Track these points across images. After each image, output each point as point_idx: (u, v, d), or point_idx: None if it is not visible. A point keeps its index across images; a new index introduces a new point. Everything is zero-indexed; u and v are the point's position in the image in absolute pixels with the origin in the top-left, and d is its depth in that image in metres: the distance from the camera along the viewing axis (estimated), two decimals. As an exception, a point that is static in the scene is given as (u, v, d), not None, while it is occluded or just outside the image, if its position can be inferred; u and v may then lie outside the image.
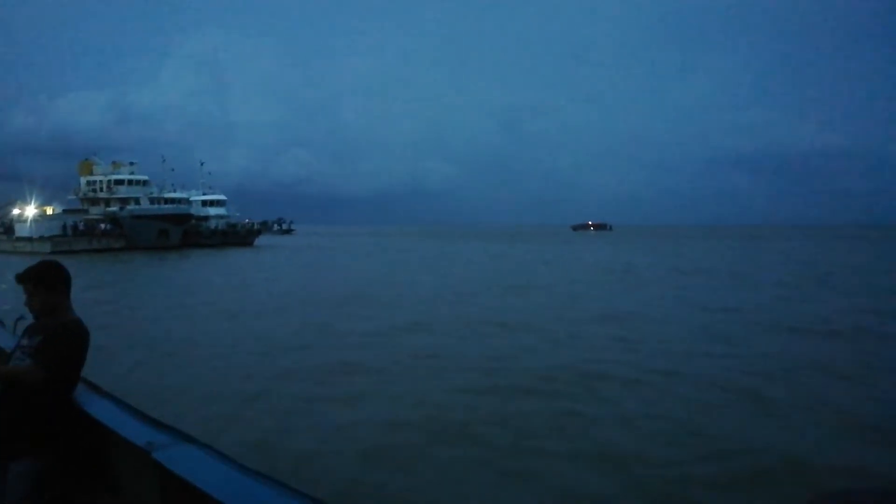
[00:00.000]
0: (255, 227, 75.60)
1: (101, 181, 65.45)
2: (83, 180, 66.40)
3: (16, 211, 64.03)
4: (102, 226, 61.59)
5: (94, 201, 65.13)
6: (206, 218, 71.70)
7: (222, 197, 76.87)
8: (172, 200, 67.32)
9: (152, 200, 65.42)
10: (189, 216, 65.55)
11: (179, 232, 63.49)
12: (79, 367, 3.31)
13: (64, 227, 59.81)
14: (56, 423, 3.11)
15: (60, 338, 3.19)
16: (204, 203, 74.13)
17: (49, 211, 65.09)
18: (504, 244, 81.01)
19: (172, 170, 73.53)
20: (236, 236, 71.26)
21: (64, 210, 65.19)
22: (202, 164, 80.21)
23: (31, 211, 62.18)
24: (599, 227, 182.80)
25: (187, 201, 69.93)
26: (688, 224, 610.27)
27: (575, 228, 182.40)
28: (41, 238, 57.27)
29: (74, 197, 66.36)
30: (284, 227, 73.50)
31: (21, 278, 3.32)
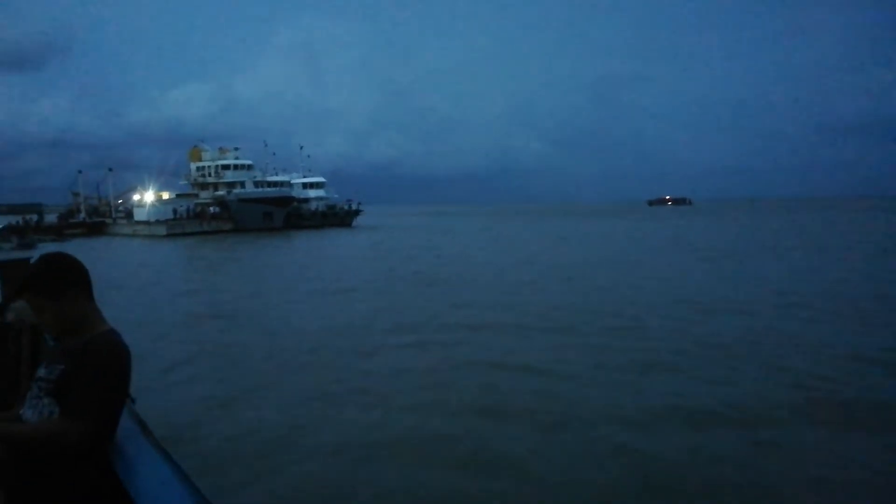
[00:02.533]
0: (354, 208, 76.29)
1: (209, 167, 68.11)
2: (193, 166, 69.37)
3: (136, 197, 67.97)
4: (212, 209, 64.16)
5: (204, 186, 67.93)
6: (307, 200, 73.13)
7: (321, 179, 78.14)
8: (275, 184, 69.06)
9: (256, 184, 67.36)
10: (291, 199, 67.01)
11: (283, 214, 65.04)
12: (121, 406, 2.15)
13: (174, 211, 62.79)
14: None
15: (92, 366, 2.05)
16: (304, 186, 75.69)
17: (165, 196, 68.57)
18: (578, 221, 77.66)
19: (273, 154, 75.60)
20: (336, 217, 72.23)
21: (177, 195, 68.47)
22: (301, 147, 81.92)
23: (148, 196, 65.75)
24: (678, 201, 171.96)
25: (289, 184, 71.58)
26: (800, 196, 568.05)
27: (651, 203, 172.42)
28: (157, 222, 60.31)
29: (186, 182, 69.57)
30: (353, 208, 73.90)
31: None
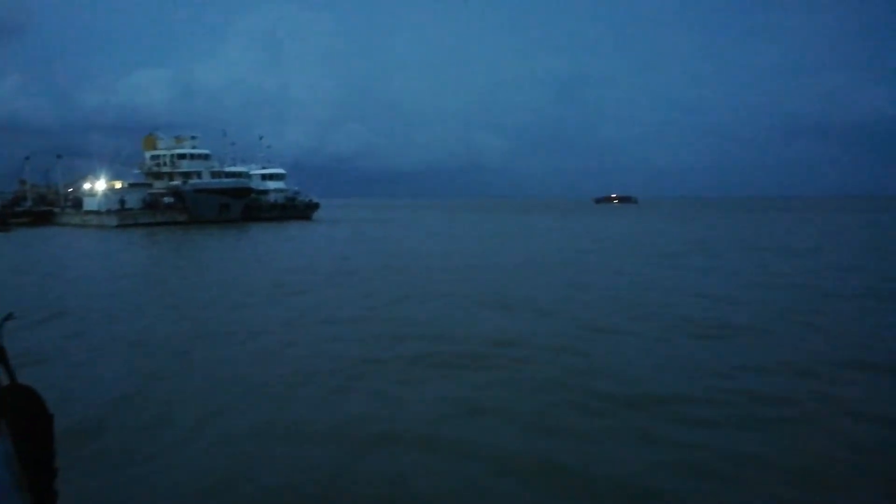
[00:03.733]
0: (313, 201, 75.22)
1: (164, 156, 66.29)
2: (147, 155, 67.44)
3: (86, 185, 65.69)
4: (166, 199, 62.44)
5: (158, 175, 66.08)
6: (266, 192, 71.85)
7: (281, 171, 76.73)
8: (233, 174, 67.62)
9: (213, 174, 65.85)
10: (249, 190, 65.68)
11: (240, 206, 63.76)
12: None
13: (122, 201, 60.52)
14: None
15: None
16: (263, 177, 74.16)
17: (117, 185, 66.50)
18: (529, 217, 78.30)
19: (233, 144, 73.88)
20: (295, 210, 71.17)
21: (130, 184, 66.38)
22: (261, 138, 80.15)
23: (100, 185, 63.59)
24: (624, 199, 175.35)
25: (247, 175, 70.13)
26: (751, 196, 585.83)
27: (598, 201, 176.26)
28: (108, 212, 58.43)
29: (139, 172, 67.55)
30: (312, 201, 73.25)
31: None
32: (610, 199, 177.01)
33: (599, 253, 29.90)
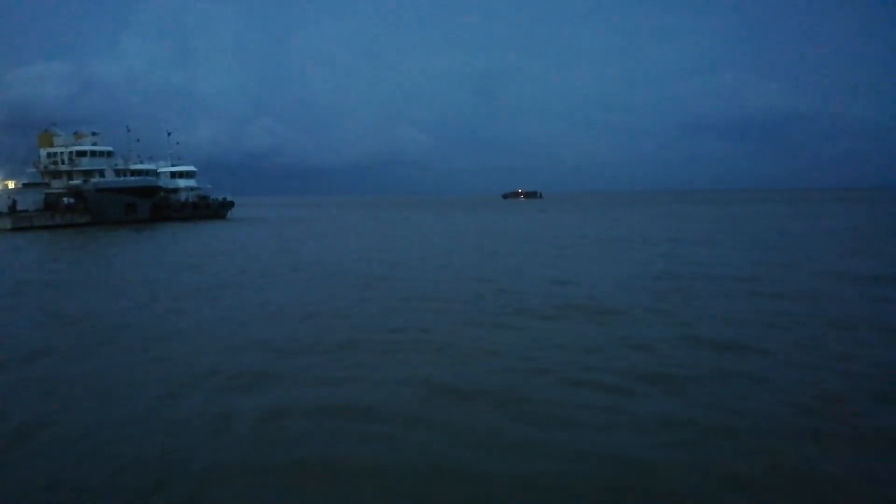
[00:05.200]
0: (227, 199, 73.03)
1: (62, 153, 62.45)
2: (43, 153, 63.32)
3: (-25, 187, 60.82)
4: (66, 200, 58.87)
5: (56, 174, 62.18)
6: (176, 190, 69.14)
7: (192, 168, 73.95)
8: (139, 172, 64.63)
9: (118, 172, 62.73)
10: (157, 188, 62.99)
11: (148, 205, 61.09)
12: None
13: (14, 202, 56.50)
14: None
15: None
16: (173, 175, 71.28)
17: (11, 185, 61.98)
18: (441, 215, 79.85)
19: (138, 140, 70.43)
20: (208, 209, 68.97)
21: (24, 184, 62.03)
22: (169, 134, 76.74)
23: (-10, 186, 59.09)
24: (530, 195, 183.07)
25: (155, 173, 67.22)
26: (657, 190, 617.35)
27: (505, 196, 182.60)
28: (0, 214, 54.49)
29: (35, 170, 63.29)
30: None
31: None
32: (517, 195, 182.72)
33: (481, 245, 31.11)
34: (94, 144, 63.14)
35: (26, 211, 56.00)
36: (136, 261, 28.66)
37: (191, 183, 71.98)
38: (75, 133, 64.28)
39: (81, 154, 62.04)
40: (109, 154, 63.88)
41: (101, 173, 61.65)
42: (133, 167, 65.31)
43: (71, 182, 60.62)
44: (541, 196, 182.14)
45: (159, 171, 69.17)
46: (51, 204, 58.22)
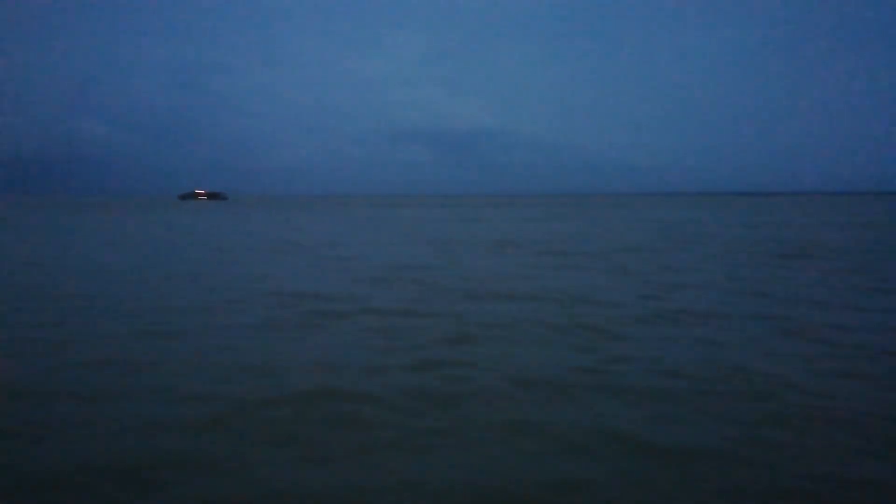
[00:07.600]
0: None
1: None
2: None
3: None
4: None
5: None
6: None
7: None
8: None
9: None
10: None
11: None
12: None
13: None
14: None
15: None
16: None
17: None
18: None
19: None
20: None
21: None
22: None
23: None
24: (213, 195, 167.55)
25: None
26: (360, 194, 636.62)
27: (183, 198, 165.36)
28: None
29: None
30: None
31: None
32: (196, 196, 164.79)
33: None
34: None
35: None
36: None
37: None
38: None
39: None
40: None
41: None
42: None
43: None
44: (225, 198, 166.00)
45: None
46: None
